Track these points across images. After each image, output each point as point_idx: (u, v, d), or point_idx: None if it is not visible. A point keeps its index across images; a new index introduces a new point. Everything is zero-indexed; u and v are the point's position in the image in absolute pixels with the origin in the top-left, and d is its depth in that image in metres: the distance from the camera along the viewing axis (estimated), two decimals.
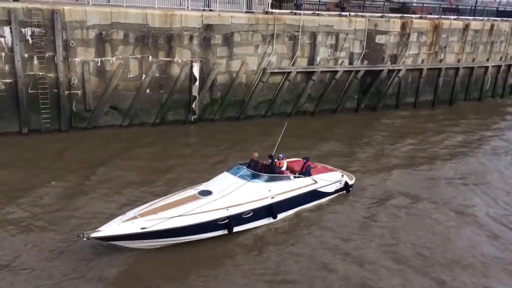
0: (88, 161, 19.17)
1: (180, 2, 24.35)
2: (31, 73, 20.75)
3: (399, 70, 30.97)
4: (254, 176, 15.32)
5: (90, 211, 15.41)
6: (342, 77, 28.99)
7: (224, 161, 19.91)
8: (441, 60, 33.10)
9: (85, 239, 12.15)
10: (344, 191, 17.86)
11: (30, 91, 20.84)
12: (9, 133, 20.93)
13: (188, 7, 23.95)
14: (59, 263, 12.74)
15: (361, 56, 29.29)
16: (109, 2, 22.67)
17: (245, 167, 15.73)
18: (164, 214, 13.37)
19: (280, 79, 26.97)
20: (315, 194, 16.70)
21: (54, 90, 21.29)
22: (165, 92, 23.92)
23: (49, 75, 21.03)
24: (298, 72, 27.33)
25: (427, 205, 17.71)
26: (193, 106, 24.70)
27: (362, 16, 29.10)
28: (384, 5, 31.31)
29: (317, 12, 27.88)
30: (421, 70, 32.16)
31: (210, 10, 24.43)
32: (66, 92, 21.59)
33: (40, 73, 20.80)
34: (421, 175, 20.77)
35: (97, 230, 12.59)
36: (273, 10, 26.25)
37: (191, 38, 23.66)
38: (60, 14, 20.58)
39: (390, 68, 30.50)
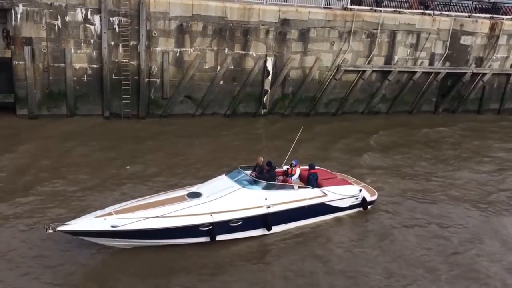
0: (154, 147, 20.01)
1: None
2: (116, 60, 22.00)
3: (484, 74, 29.07)
4: (252, 182, 14.19)
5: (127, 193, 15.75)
6: (421, 79, 27.76)
7: (283, 156, 17.25)
8: None
9: (50, 231, 11.35)
10: (361, 208, 15.91)
11: (113, 77, 22.13)
12: (93, 115, 22.41)
13: (266, 1, 24.11)
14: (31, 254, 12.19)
15: (443, 57, 27.82)
16: None
17: (245, 172, 14.65)
18: (141, 214, 12.54)
19: (354, 77, 26.37)
20: (323, 208, 15.12)
21: (135, 77, 22.43)
22: (238, 85, 24.32)
23: (131, 62, 22.19)
24: (373, 71, 26.56)
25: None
26: (264, 100, 24.90)
27: (447, 15, 27.61)
28: (472, 4, 29.45)
29: (398, 9, 26.86)
30: (509, 75, 30.01)
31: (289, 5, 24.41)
32: (146, 80, 22.67)
33: (124, 61, 22.00)
34: (481, 213, 16.79)
35: (65, 223, 11.90)
36: (352, 7, 25.65)
37: (267, 32, 23.81)
38: (146, 5, 21.58)
39: (475, 71, 28.71)
